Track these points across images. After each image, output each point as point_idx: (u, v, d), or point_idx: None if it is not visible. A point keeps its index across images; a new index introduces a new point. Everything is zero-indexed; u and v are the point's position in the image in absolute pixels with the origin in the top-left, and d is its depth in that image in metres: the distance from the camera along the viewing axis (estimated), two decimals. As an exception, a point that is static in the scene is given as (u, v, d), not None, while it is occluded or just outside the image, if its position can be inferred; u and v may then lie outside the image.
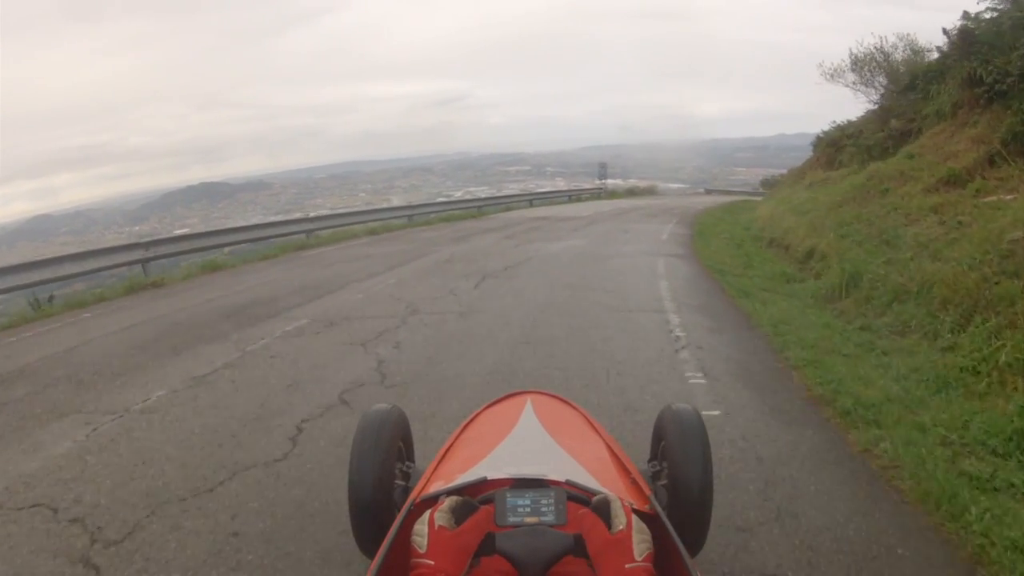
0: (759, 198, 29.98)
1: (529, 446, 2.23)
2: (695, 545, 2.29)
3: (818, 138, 23.99)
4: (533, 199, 30.25)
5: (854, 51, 21.57)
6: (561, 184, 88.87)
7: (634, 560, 1.36)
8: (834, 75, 22.49)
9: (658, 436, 2.52)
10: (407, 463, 2.56)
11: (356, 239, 17.03)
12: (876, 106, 20.22)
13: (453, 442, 2.39)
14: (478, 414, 2.67)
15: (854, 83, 21.75)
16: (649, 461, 2.61)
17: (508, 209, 26.77)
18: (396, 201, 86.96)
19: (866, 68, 21.29)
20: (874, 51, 21.00)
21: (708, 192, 44.55)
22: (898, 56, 20.24)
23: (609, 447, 2.34)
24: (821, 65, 22.97)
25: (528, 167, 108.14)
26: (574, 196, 33.23)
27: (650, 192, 40.07)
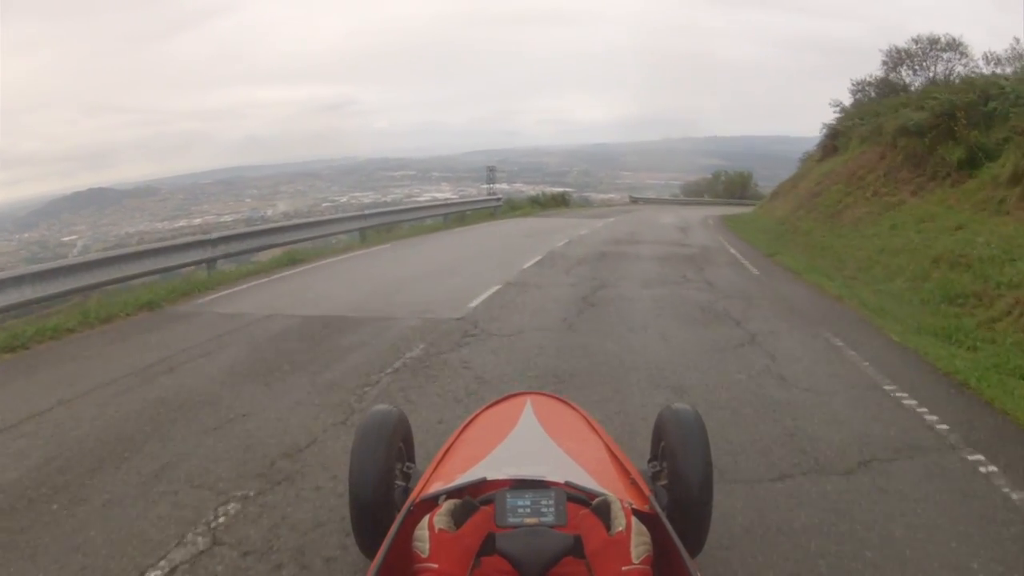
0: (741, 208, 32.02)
1: (529, 447, 2.25)
2: (695, 545, 2.32)
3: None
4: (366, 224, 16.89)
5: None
6: (447, 190, 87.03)
7: (631, 562, 1.40)
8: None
9: (658, 436, 2.54)
10: (407, 463, 2.57)
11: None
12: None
13: (453, 442, 2.41)
14: (478, 415, 2.68)
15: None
16: (649, 461, 2.63)
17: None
18: (282, 207, 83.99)
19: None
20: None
21: (635, 201, 43.32)
22: None
23: (608, 447, 2.36)
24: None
25: (414, 172, 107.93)
26: (453, 214, 22.08)
27: (558, 204, 32.18)
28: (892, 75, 25.56)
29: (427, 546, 1.43)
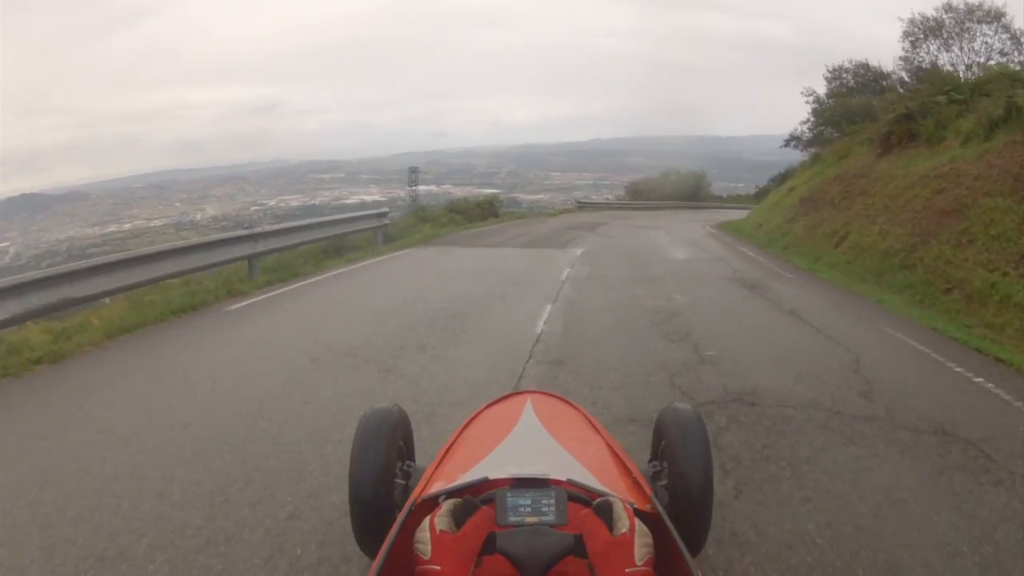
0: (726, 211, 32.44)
1: (530, 446, 2.27)
2: (695, 544, 2.35)
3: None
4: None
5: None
6: (375, 192, 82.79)
7: (635, 564, 1.40)
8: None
9: (659, 436, 2.56)
10: (408, 462, 2.59)
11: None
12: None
13: (453, 442, 2.42)
14: (478, 414, 2.70)
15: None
16: (650, 461, 2.66)
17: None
18: (211, 211, 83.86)
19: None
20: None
21: (582, 206, 36.88)
22: None
23: (609, 447, 2.37)
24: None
25: (343, 174, 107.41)
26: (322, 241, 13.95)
27: (484, 215, 24.43)
28: (914, 52, 24.35)
29: (429, 548, 1.44)
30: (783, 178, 49.14)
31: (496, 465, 1.93)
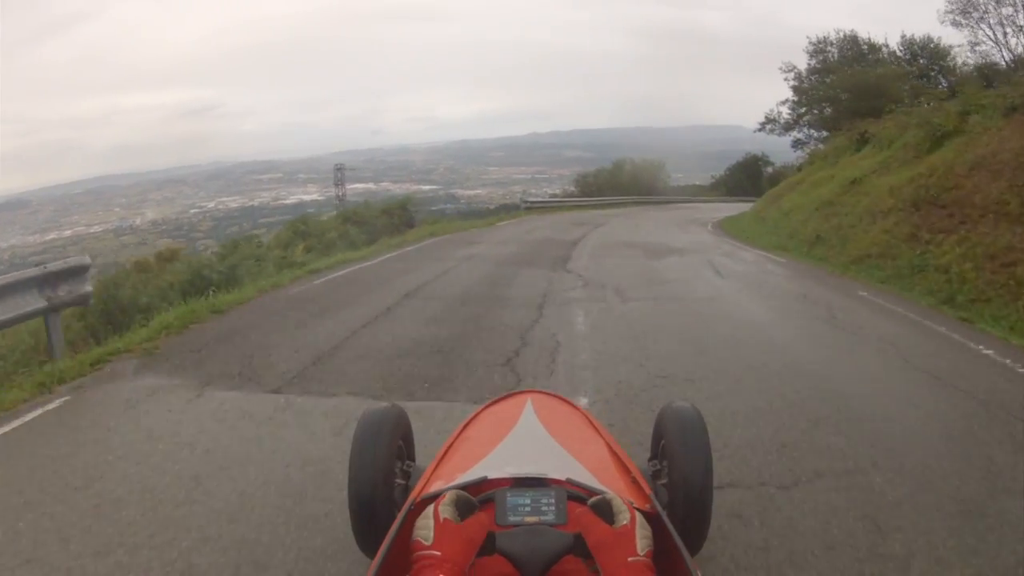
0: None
1: (529, 445, 2.26)
2: (695, 544, 2.31)
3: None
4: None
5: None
6: (313, 192, 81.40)
7: (636, 554, 1.38)
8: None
9: (658, 435, 2.54)
10: (407, 462, 2.55)
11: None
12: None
13: (453, 441, 2.40)
14: (478, 413, 2.68)
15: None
16: (649, 460, 2.63)
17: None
18: (151, 215, 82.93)
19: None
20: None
21: (529, 207, 29.26)
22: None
23: (609, 446, 2.35)
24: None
25: (280, 175, 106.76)
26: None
27: (400, 214, 19.91)
28: (952, 29, 23.80)
29: (431, 534, 1.42)
30: (745, 168, 49.13)
31: (496, 465, 1.92)
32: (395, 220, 19.04)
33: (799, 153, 32.95)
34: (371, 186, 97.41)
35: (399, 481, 2.39)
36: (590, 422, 2.60)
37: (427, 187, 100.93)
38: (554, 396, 2.87)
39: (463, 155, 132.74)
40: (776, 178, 34.82)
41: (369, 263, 11.79)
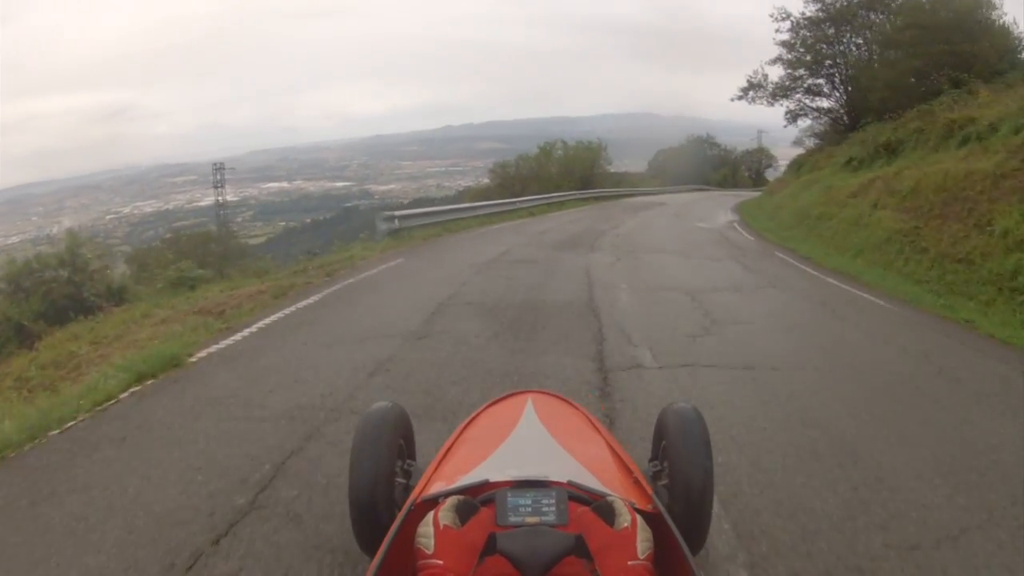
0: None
1: (530, 446, 2.27)
2: (695, 544, 2.30)
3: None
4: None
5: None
6: (229, 193, 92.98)
7: (637, 558, 1.42)
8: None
9: (659, 436, 2.55)
10: (408, 461, 2.55)
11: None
12: None
13: (454, 442, 2.40)
14: (478, 414, 2.69)
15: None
16: (650, 460, 2.65)
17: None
18: (67, 223, 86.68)
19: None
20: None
21: (394, 231, 13.84)
22: None
23: (610, 446, 2.36)
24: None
25: (195, 177, 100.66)
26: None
27: (181, 280, 12.56)
28: None
29: (432, 542, 1.44)
30: (691, 152, 49.91)
31: (497, 466, 1.93)
32: (173, 281, 12.48)
33: (793, 135, 32.01)
34: (285, 184, 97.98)
35: (400, 480, 2.38)
36: (590, 422, 2.61)
37: (341, 184, 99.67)
38: (554, 396, 2.88)
39: (377, 150, 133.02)
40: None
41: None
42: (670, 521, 1.73)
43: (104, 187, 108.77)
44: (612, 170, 41.28)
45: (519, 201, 23.37)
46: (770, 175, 68.33)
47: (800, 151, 32.01)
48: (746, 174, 64.33)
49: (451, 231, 15.74)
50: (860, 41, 25.00)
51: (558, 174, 33.08)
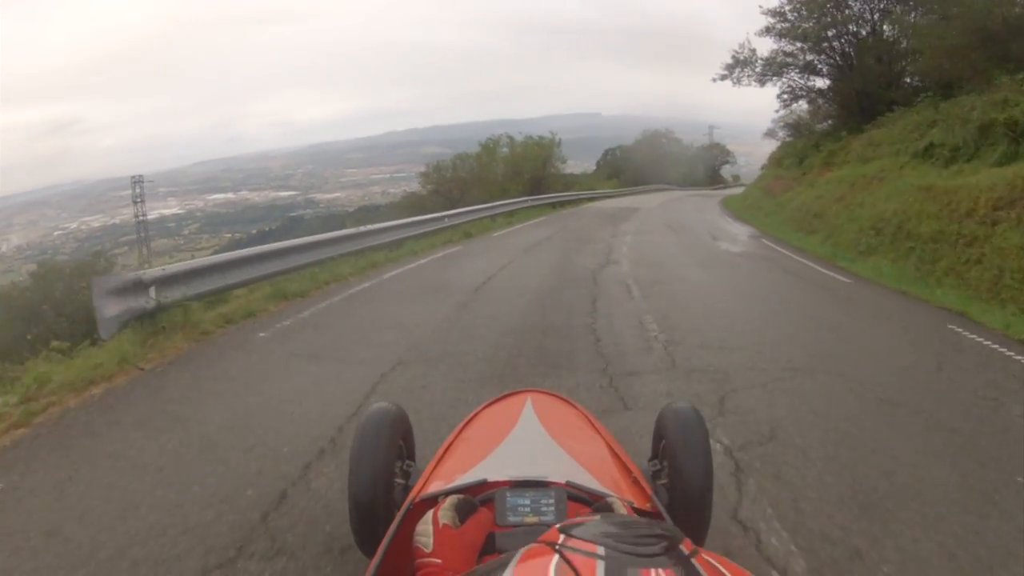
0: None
1: (529, 446, 2.25)
2: (695, 544, 1.71)
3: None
4: None
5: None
6: (174, 205, 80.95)
7: None
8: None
9: (658, 435, 2.52)
10: (407, 461, 2.52)
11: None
12: None
13: (452, 441, 2.39)
14: (477, 413, 2.66)
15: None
16: (650, 460, 2.60)
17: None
18: (15, 240, 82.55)
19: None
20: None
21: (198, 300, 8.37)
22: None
23: (609, 446, 2.34)
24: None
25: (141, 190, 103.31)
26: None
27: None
28: None
29: (431, 541, 1.41)
30: (643, 150, 46.81)
31: (496, 467, 1.91)
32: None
33: (747, 129, 28.13)
34: (230, 195, 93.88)
35: (399, 480, 2.31)
36: (590, 422, 2.57)
37: (286, 193, 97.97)
38: (554, 396, 2.83)
39: (321, 158, 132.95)
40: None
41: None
42: (669, 520, 1.73)
43: (51, 203, 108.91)
44: (565, 171, 36.15)
45: (449, 215, 16.07)
46: (726, 172, 70.12)
47: (772, 143, 29.28)
48: (702, 171, 63.21)
49: (284, 297, 7.90)
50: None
51: (504, 176, 29.03)
